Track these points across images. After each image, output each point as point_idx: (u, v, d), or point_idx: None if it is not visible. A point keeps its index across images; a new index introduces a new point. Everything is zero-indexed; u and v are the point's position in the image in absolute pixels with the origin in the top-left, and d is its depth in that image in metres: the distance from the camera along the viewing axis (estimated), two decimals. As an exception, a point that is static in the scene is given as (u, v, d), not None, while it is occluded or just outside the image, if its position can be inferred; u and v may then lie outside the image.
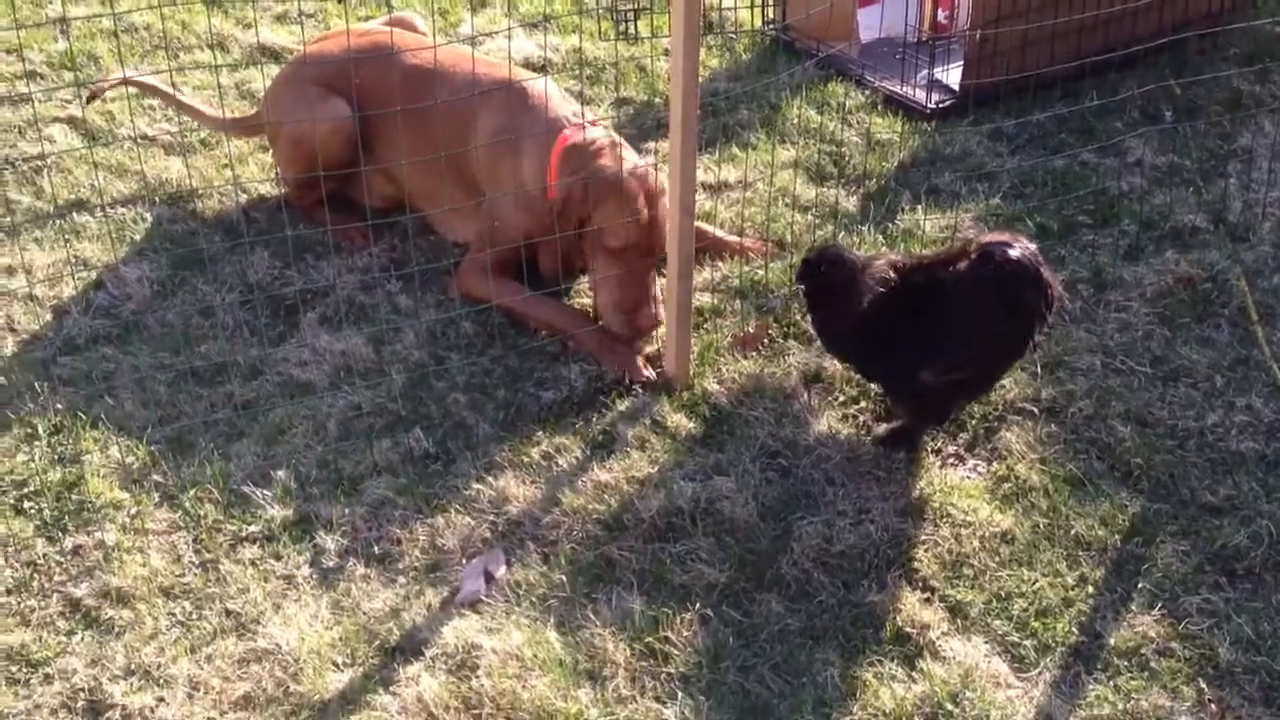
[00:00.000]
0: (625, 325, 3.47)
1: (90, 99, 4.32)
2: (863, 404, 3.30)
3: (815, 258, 3.13)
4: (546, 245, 3.56)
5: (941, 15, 4.84)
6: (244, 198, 4.16)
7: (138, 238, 3.97)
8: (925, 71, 4.62)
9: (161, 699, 2.61)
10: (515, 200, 3.62)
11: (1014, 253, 2.86)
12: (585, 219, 3.46)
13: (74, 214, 4.06)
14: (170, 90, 4.24)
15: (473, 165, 3.72)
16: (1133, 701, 2.57)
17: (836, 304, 3.10)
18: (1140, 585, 2.80)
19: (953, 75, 4.60)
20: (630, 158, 3.52)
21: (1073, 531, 2.92)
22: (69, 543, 2.96)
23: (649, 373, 3.39)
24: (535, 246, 3.60)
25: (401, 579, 2.87)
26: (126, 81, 4.30)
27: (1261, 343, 3.43)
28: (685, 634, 2.70)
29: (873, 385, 3.29)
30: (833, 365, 3.38)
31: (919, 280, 3.01)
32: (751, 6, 5.17)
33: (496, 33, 5.03)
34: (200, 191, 4.14)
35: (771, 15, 5.08)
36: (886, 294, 3.01)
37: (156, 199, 4.13)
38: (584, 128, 3.54)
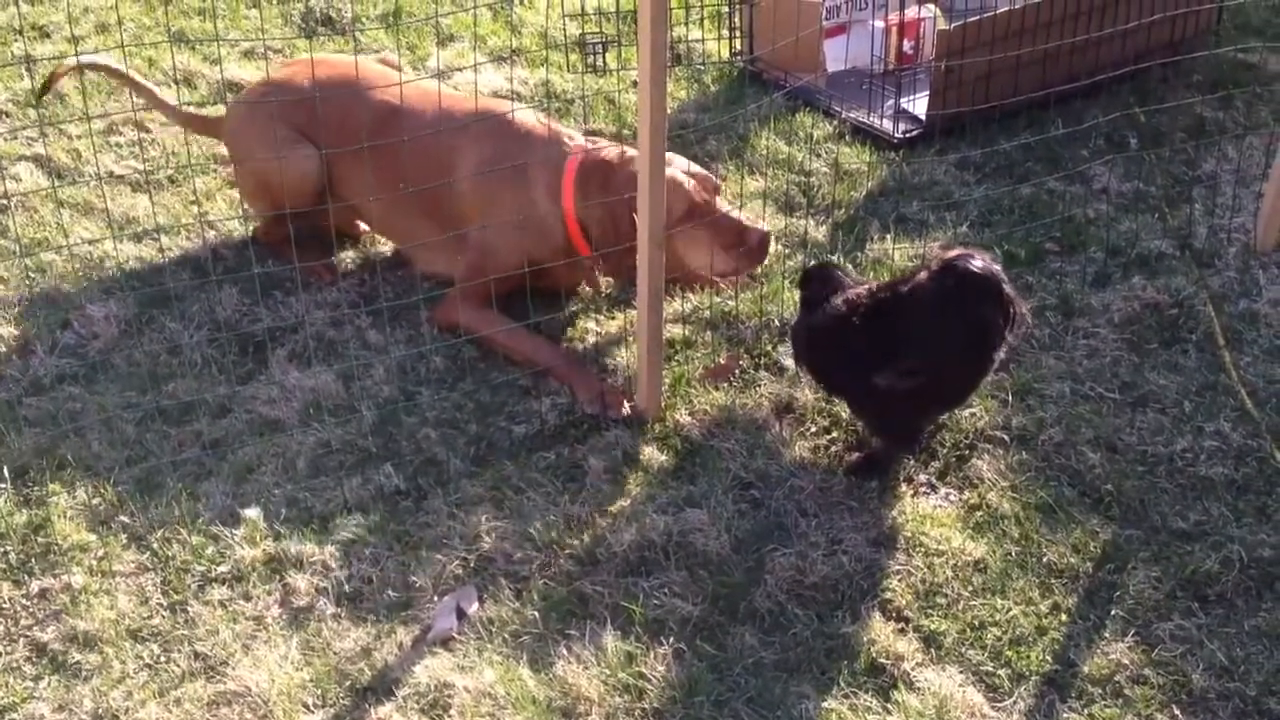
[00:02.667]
0: (744, 258, 3.57)
1: (43, 90, 4.30)
2: (834, 434, 3.30)
3: (811, 270, 3.24)
4: (565, 267, 3.65)
5: (907, 46, 4.88)
6: (212, 235, 4.14)
7: (104, 276, 3.95)
8: (892, 101, 4.65)
9: (129, 744, 2.58)
10: (518, 227, 3.59)
11: (974, 265, 2.88)
12: (629, 233, 3.39)
13: (40, 253, 4.03)
14: (125, 71, 4.20)
15: (458, 198, 3.68)
16: (1108, 729, 2.57)
17: (813, 316, 3.14)
18: (1113, 612, 2.80)
19: (919, 105, 4.63)
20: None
21: (1045, 559, 2.93)
22: (35, 586, 2.92)
23: (625, 409, 3.38)
24: (542, 272, 3.54)
25: (373, 617, 2.85)
26: (82, 67, 4.24)
27: (1229, 367, 3.45)
28: (659, 669, 2.68)
29: (843, 412, 3.30)
30: (804, 395, 3.38)
31: (884, 295, 3.05)
32: (719, 38, 5.19)
33: (464, 67, 5.03)
34: (168, 229, 4.13)
35: (739, 47, 5.11)
36: (851, 307, 3.04)
37: (123, 237, 4.10)
38: (589, 144, 3.62)
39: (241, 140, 3.95)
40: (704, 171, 3.64)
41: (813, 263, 3.33)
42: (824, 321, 3.10)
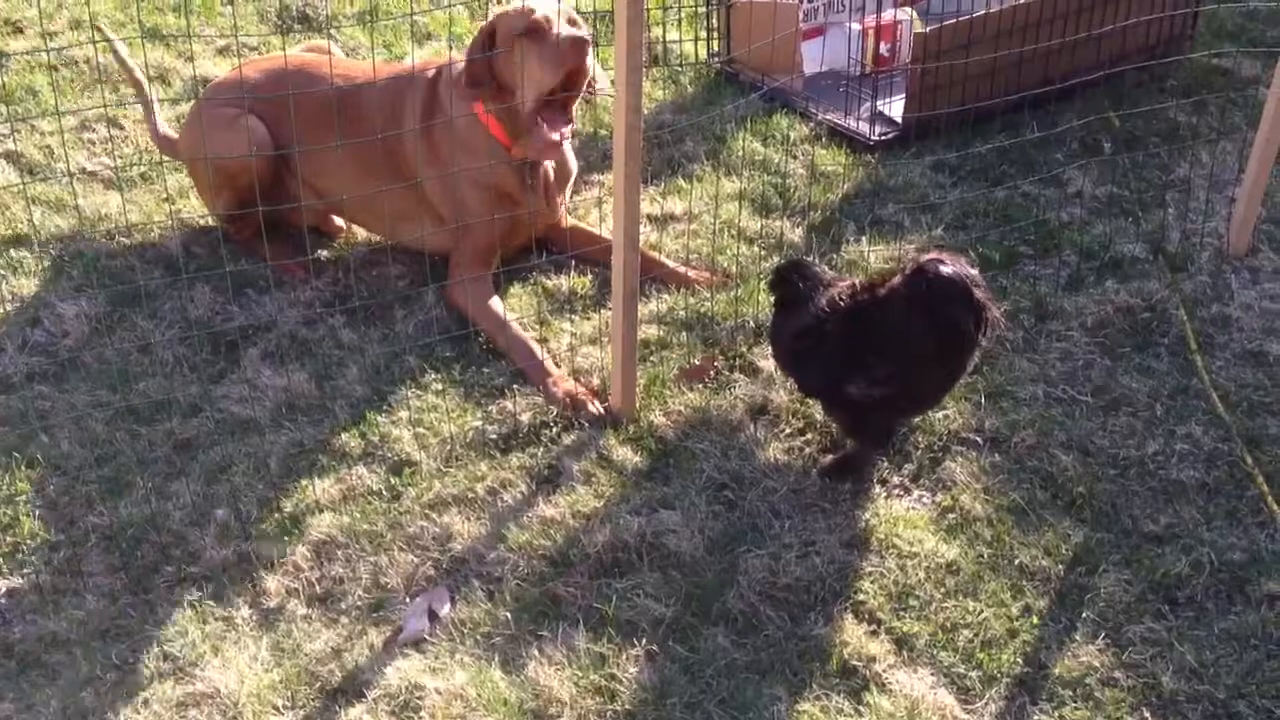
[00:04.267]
0: (557, 64, 3.52)
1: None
2: (809, 436, 3.30)
3: (785, 266, 3.21)
4: (523, 194, 3.76)
5: (884, 49, 4.89)
6: (184, 232, 4.11)
7: (76, 273, 3.92)
8: (868, 104, 4.66)
9: (97, 745, 2.56)
10: (462, 150, 3.69)
11: (946, 270, 2.85)
12: (509, 78, 3.57)
13: (10, 250, 4.00)
14: (132, 66, 4.23)
15: (405, 155, 3.81)
16: (1078, 732, 2.58)
17: (791, 313, 3.13)
18: (1084, 615, 2.81)
19: (895, 108, 4.64)
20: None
21: (1017, 561, 2.93)
22: (3, 585, 2.90)
23: (595, 407, 3.37)
24: (514, 226, 3.77)
25: (344, 619, 2.83)
26: (110, 44, 4.28)
27: (1200, 371, 3.46)
28: (632, 671, 2.68)
29: (817, 414, 3.30)
30: (779, 397, 3.38)
31: (860, 297, 3.04)
32: (696, 39, 5.19)
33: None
34: (140, 226, 4.10)
35: (716, 48, 5.11)
36: (828, 309, 3.04)
37: (95, 234, 4.08)
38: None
39: (191, 134, 3.95)
40: (578, 32, 3.57)
41: (783, 261, 3.31)
42: (802, 323, 3.09)
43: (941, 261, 2.87)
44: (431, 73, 3.83)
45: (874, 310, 2.96)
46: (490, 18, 3.69)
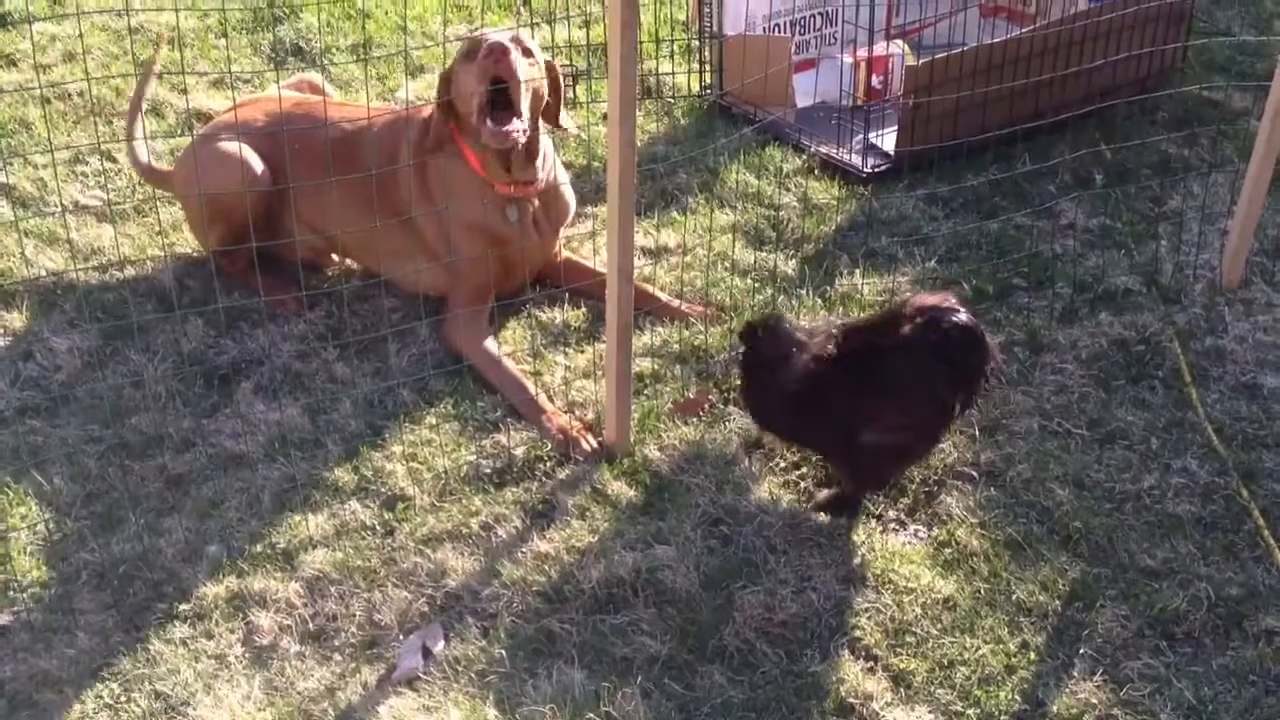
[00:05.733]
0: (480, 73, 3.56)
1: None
2: (804, 470, 3.29)
3: (754, 325, 3.15)
4: (511, 231, 3.78)
5: (875, 81, 4.90)
6: (177, 265, 4.11)
7: (68, 307, 3.90)
8: (861, 136, 4.67)
9: (87, 786, 2.53)
10: (448, 192, 3.72)
11: (959, 318, 2.90)
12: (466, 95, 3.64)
13: (2, 283, 3.99)
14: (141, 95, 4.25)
15: (404, 198, 3.83)
16: (1077, 769, 2.57)
17: (770, 376, 3.10)
18: (1081, 651, 2.80)
19: (888, 140, 4.65)
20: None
21: (1014, 597, 2.92)
22: (-7, 623, 2.88)
23: (589, 443, 3.36)
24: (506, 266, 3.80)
25: (337, 656, 2.82)
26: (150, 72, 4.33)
27: (1195, 404, 3.46)
28: (627, 708, 2.66)
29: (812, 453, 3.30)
30: (773, 431, 3.37)
31: (856, 345, 3.02)
32: (689, 72, 5.21)
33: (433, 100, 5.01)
34: (132, 259, 4.09)
35: (709, 81, 5.12)
36: (822, 363, 3.02)
37: (88, 267, 4.06)
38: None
39: (188, 168, 3.95)
40: (497, 38, 3.58)
41: (756, 318, 3.23)
42: (795, 382, 3.05)
43: (952, 310, 2.90)
44: (426, 114, 3.84)
45: (881, 359, 2.96)
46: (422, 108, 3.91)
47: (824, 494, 3.20)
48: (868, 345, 3.00)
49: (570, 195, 4.03)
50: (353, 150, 3.83)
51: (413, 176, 3.81)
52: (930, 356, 2.90)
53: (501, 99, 3.58)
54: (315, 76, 4.51)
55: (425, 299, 3.77)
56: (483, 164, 3.73)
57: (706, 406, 3.51)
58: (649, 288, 3.91)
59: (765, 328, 3.13)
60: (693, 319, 3.82)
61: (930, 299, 2.99)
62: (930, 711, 2.67)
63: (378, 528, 3.13)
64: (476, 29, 5.58)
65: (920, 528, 3.14)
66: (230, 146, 3.86)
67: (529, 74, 3.63)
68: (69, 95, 5.06)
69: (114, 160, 4.65)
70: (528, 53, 3.65)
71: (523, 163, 3.73)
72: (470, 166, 3.75)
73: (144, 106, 4.27)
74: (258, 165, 3.87)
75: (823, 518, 3.12)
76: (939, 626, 2.86)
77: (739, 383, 3.33)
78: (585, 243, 4.22)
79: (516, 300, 3.89)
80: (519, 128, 3.59)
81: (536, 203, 3.84)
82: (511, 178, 3.74)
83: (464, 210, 3.73)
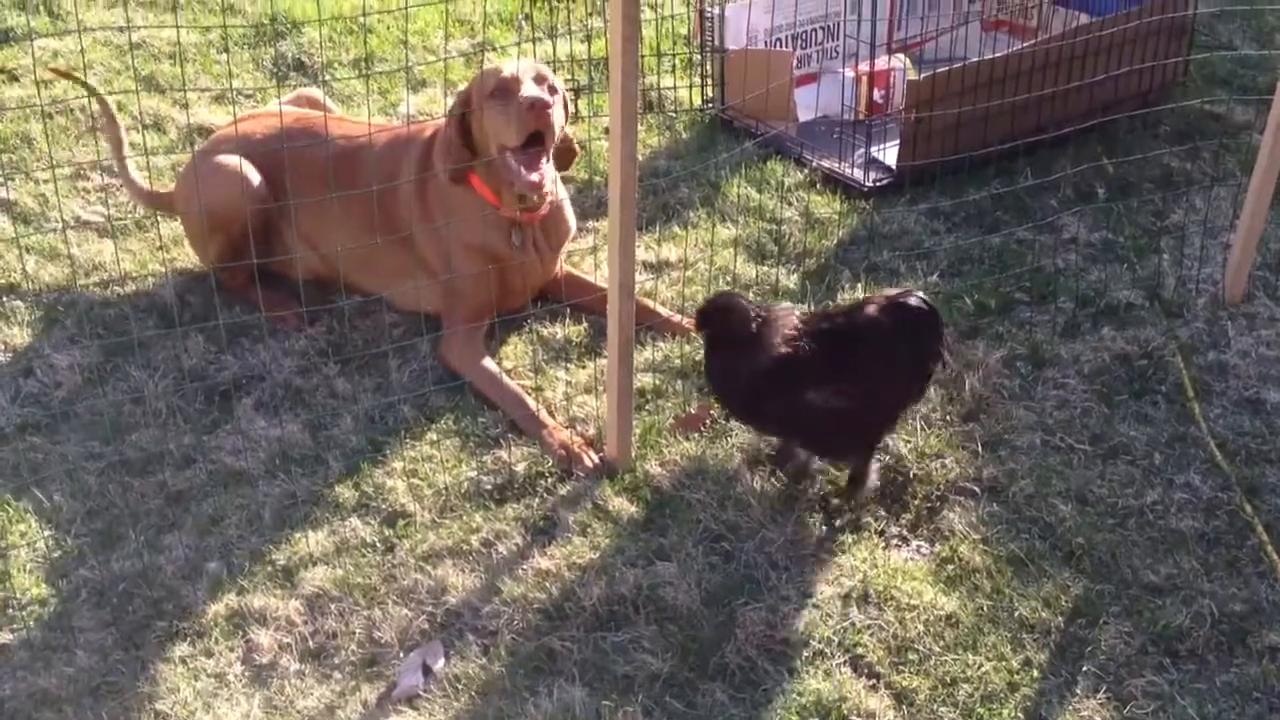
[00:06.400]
0: (520, 124, 3.55)
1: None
2: (805, 485, 3.28)
3: (709, 306, 3.17)
4: (511, 253, 3.76)
5: (877, 95, 4.90)
6: (178, 281, 4.10)
7: (69, 323, 3.90)
8: (862, 150, 4.67)
9: (86, 806, 2.52)
10: (447, 210, 3.73)
11: (917, 302, 3.11)
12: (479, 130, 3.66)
13: (3, 299, 3.99)
14: (117, 122, 4.21)
15: (399, 214, 3.83)
16: (1080, 788, 2.55)
17: (734, 352, 3.12)
18: (1085, 668, 2.78)
19: (889, 154, 4.65)
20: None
21: (1017, 613, 2.91)
22: (-8, 642, 2.87)
23: (590, 459, 3.35)
24: (503, 285, 3.79)
25: (337, 674, 2.80)
26: (93, 92, 4.28)
27: (1198, 419, 3.45)
28: (628, 727, 2.65)
29: (813, 465, 3.29)
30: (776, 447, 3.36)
31: (820, 327, 3.12)
32: (691, 86, 5.21)
33: (437, 116, 5.02)
34: (133, 275, 4.09)
35: (710, 95, 5.12)
36: (796, 344, 3.08)
37: (89, 283, 4.06)
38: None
39: (185, 182, 3.95)
40: (539, 94, 3.56)
41: (713, 298, 3.25)
42: (771, 362, 3.07)
43: (914, 295, 3.14)
44: (429, 133, 3.84)
45: (849, 337, 3.09)
46: (469, 82, 3.77)
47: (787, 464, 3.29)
48: (832, 327, 3.11)
49: (571, 215, 4.02)
50: (353, 167, 3.82)
51: (414, 195, 3.80)
52: (890, 334, 3.05)
53: (534, 140, 3.59)
54: (315, 91, 4.51)
55: (425, 316, 3.77)
56: (494, 190, 3.72)
57: (708, 422, 3.50)
58: (650, 303, 3.91)
59: (720, 308, 3.14)
60: (694, 334, 3.81)
61: (893, 291, 3.18)
62: (933, 729, 2.66)
63: (378, 544, 3.12)
64: (478, 43, 5.60)
65: (922, 544, 3.13)
66: (228, 159, 3.86)
67: (560, 119, 3.65)
68: (71, 110, 5.07)
69: (115, 176, 4.65)
70: (552, 89, 3.64)
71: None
72: (474, 190, 3.74)
73: (125, 140, 4.24)
74: (255, 178, 3.87)
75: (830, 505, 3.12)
76: (941, 644, 2.84)
77: (703, 366, 3.32)
78: (586, 258, 4.22)
79: (517, 316, 3.89)
80: (552, 176, 3.63)
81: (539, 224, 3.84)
82: (521, 205, 3.74)
83: (467, 232, 3.73)
